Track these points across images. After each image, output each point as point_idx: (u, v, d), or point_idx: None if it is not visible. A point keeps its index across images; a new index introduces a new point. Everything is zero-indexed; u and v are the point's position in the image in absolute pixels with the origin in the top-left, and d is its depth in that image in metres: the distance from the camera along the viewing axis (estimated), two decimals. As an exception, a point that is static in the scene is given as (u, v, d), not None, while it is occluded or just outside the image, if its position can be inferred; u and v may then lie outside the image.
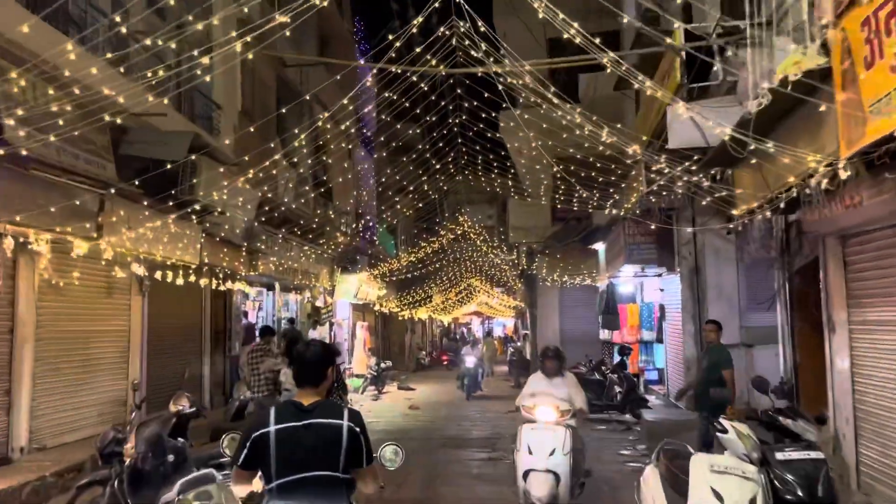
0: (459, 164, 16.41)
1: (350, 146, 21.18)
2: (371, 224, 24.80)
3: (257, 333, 13.66)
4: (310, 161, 17.26)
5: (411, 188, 21.78)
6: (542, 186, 18.41)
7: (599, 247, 17.80)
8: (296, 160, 16.57)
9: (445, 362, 33.31)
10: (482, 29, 7.00)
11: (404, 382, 27.31)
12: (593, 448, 10.12)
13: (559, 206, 17.87)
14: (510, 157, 17.35)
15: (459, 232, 26.24)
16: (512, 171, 18.04)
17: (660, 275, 15.20)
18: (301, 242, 17.91)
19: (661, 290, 15.95)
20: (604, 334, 18.83)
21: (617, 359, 17.37)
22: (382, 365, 23.23)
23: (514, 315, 47.58)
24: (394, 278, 27.88)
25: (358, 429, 3.23)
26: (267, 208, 13.60)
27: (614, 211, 11.90)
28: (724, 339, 9.44)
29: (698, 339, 11.92)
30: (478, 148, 14.86)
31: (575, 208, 14.69)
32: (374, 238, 25.25)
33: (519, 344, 34.46)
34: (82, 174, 8.39)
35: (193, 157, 10.23)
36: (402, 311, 32.61)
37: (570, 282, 20.80)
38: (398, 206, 25.48)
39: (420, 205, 27.40)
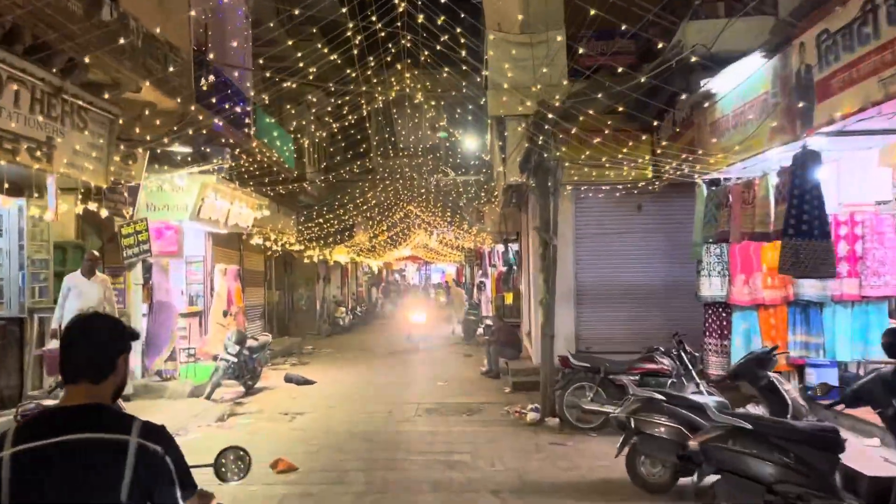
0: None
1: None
2: (241, 97, 14.04)
3: None
4: None
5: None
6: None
7: (720, 84, 7.77)
8: None
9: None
10: None
11: (303, 360, 17.05)
12: None
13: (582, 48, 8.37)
14: None
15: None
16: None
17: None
18: (52, 87, 7.29)
19: None
20: (710, 288, 8.85)
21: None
22: (253, 342, 12.89)
23: (464, 259, 37.61)
24: (281, 191, 17.26)
25: (159, 448, 2.07)
26: None
27: None
28: None
29: None
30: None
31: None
32: (248, 121, 14.52)
33: (473, 299, 24.51)
34: None
35: None
36: (309, 249, 22.13)
37: (611, 188, 10.89)
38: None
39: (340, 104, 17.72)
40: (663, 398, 6.34)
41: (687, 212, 12.66)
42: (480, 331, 21.97)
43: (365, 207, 23.73)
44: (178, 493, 2.11)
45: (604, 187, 12.09)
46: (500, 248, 24.55)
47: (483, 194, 19.90)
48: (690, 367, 8.51)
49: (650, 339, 12.54)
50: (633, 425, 6.28)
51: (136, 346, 11.72)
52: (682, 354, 8.56)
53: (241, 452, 2.72)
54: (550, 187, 9.70)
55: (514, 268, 22.95)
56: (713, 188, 8.81)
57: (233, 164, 14.36)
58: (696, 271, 9.22)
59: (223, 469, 2.68)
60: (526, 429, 9.13)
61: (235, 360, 12.03)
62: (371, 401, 11.52)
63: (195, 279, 14.98)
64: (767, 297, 8.24)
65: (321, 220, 21.35)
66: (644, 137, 11.24)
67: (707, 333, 9.06)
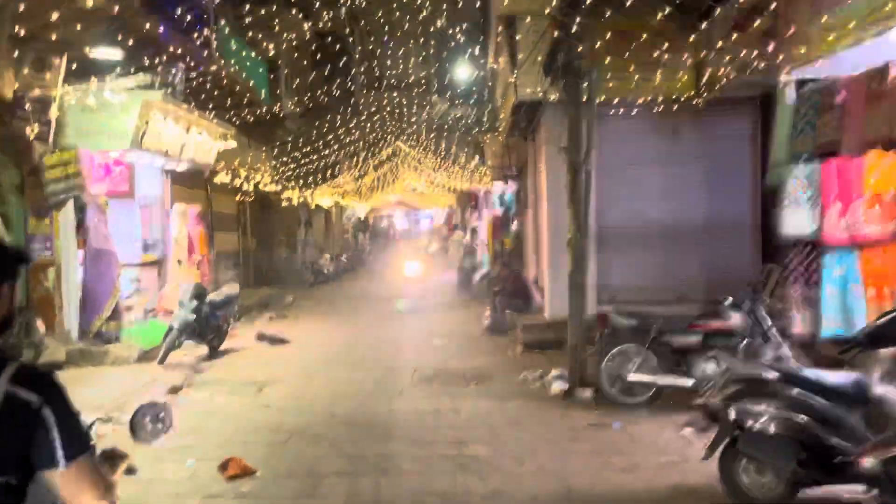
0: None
1: None
2: (195, 4, 11.63)
3: None
4: None
5: None
6: None
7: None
8: None
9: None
10: None
11: (282, 314, 15.10)
12: None
13: None
14: None
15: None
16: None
17: None
18: None
19: None
20: (796, 223, 6.77)
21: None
22: (215, 296, 10.84)
23: (456, 202, 35.49)
24: (250, 118, 15.01)
25: (34, 398, 1.65)
26: None
27: None
28: None
29: None
30: None
31: None
32: (208, 33, 12.09)
33: (464, 242, 22.46)
34: None
35: None
36: (287, 190, 19.93)
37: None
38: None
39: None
40: (777, 375, 4.39)
41: (733, 135, 10.65)
42: (477, 278, 20.08)
43: (349, 140, 21.47)
44: (59, 454, 1.65)
45: (633, 106, 9.99)
46: (499, 186, 22.46)
47: (480, 127, 17.64)
48: (770, 324, 6.58)
49: (687, 289, 10.70)
50: (732, 417, 4.35)
51: (71, 303, 9.69)
52: (759, 308, 6.61)
53: (160, 411, 2.54)
54: (583, 95, 7.56)
55: (512, 210, 20.95)
56: (807, 88, 6.69)
57: (188, 84, 12.08)
58: (776, 202, 7.17)
59: (139, 427, 2.43)
60: (552, 404, 7.22)
61: (193, 317, 10.00)
62: (357, 365, 9.57)
63: (151, 223, 12.84)
64: (872, 233, 6.25)
65: (299, 156, 19.10)
66: (691, 39, 9.07)
67: (789, 280, 7.09)
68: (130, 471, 2.56)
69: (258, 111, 17.87)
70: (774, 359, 6.49)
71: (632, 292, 10.60)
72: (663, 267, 10.72)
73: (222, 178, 14.28)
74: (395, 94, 25.37)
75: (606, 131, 10.57)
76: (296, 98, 23.57)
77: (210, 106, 13.06)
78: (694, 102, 9.68)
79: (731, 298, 6.92)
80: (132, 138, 9.76)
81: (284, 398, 7.82)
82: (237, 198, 18.21)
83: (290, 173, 20.39)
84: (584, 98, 7.47)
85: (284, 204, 20.09)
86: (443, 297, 18.26)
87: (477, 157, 19.91)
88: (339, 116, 20.82)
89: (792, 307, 6.91)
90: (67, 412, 1.71)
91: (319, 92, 23.27)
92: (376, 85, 27.85)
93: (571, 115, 7.60)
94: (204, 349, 10.47)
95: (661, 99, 9.65)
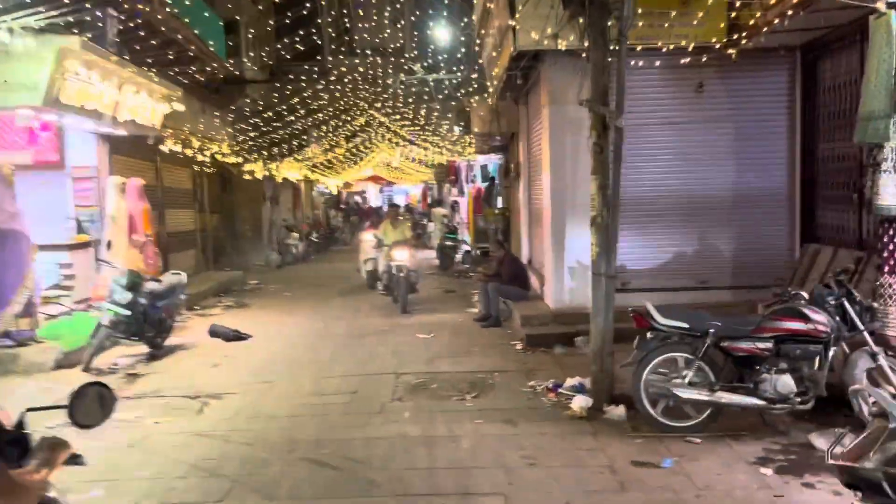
0: None
1: None
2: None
3: None
4: None
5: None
6: None
7: None
8: None
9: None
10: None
11: (242, 302, 13.44)
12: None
13: None
14: None
15: None
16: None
17: None
18: None
19: None
20: (891, 194, 5.27)
21: None
22: (155, 284, 9.06)
23: (433, 176, 33.73)
24: (200, 78, 13.14)
25: None
26: None
27: None
28: None
29: None
30: None
31: None
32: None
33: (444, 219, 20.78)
34: None
35: None
36: (249, 163, 18.03)
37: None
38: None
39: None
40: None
41: (769, 91, 9.06)
42: (459, 258, 18.47)
43: (317, 108, 19.58)
44: None
45: (654, 56, 8.40)
46: (483, 158, 20.79)
47: (466, 89, 15.89)
48: (861, 325, 5.07)
49: (712, 274, 9.19)
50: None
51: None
52: (852, 306, 5.08)
53: (104, 390, 2.15)
54: (612, 33, 5.91)
55: (497, 183, 19.30)
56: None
57: (126, 36, 10.21)
58: (869, 166, 5.62)
59: (77, 410, 2.07)
60: (576, 428, 5.63)
61: (128, 312, 8.25)
62: (326, 370, 7.90)
63: (85, 199, 10.98)
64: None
65: (262, 124, 17.21)
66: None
67: (886, 269, 5.56)
68: (76, 460, 1.92)
69: (215, 72, 15.96)
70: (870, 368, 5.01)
71: (646, 277, 9.11)
72: (684, 247, 9.21)
73: (172, 146, 12.38)
74: (367, 59, 23.44)
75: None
76: (259, 62, 21.60)
77: (151, 61, 11.17)
78: (726, 52, 8.11)
79: (803, 292, 5.38)
80: (45, 93, 7.90)
81: (232, 419, 6.15)
82: (192, 170, 16.30)
83: (252, 144, 18.48)
84: (618, 36, 5.80)
85: (247, 177, 18.19)
86: (423, 280, 16.62)
87: (459, 126, 18.16)
88: (305, 83, 18.92)
89: (888, 303, 5.40)
90: None
91: (285, 55, 21.35)
92: (346, 50, 25.83)
93: (597, 58, 5.94)
94: (143, 349, 8.76)
95: (689, 48, 8.06)
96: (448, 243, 18.58)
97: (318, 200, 32.29)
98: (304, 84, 18.81)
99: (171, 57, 12.14)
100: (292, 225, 23.18)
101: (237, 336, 9.68)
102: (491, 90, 12.22)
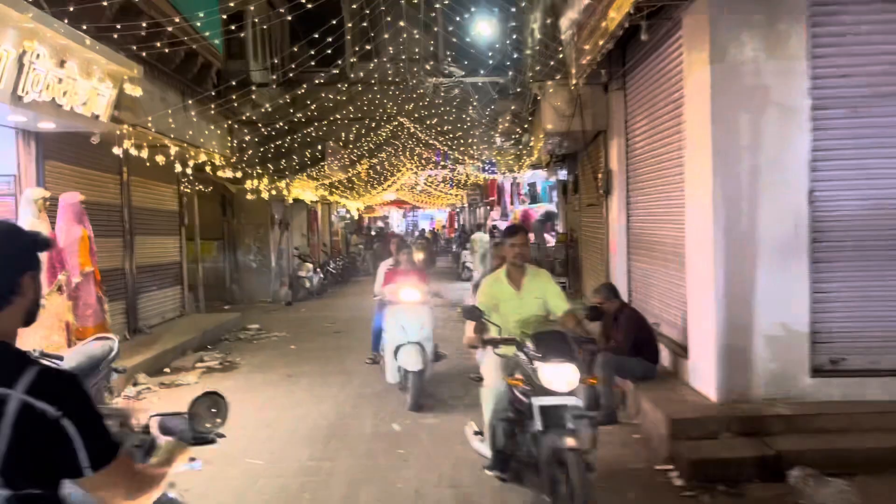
0: None
1: None
2: None
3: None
4: None
5: None
6: None
7: None
8: None
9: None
10: None
11: (228, 360, 9.95)
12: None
13: None
14: None
15: None
16: None
17: None
18: None
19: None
20: None
21: None
22: (56, 362, 5.55)
23: (465, 198, 30.32)
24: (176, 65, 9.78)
25: (50, 409, 1.57)
26: None
27: None
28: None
29: None
30: None
31: None
32: None
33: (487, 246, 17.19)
34: None
35: None
36: (251, 179, 14.63)
37: None
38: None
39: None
40: None
41: None
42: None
43: (336, 117, 16.24)
44: (85, 464, 1.60)
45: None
46: (527, 176, 17.36)
47: (531, 76, 12.28)
48: None
49: None
50: None
51: None
52: None
53: (218, 399, 2.29)
54: None
55: (555, 206, 15.80)
56: None
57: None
58: None
59: (196, 417, 2.21)
60: None
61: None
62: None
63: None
64: None
65: (270, 132, 13.87)
66: None
67: None
68: (193, 462, 2.13)
69: (206, 65, 12.70)
70: None
71: (869, 345, 5.48)
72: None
73: (134, 150, 8.96)
74: (398, 64, 20.09)
75: (827, 38, 5.45)
76: (268, 64, 18.33)
77: (116, 37, 7.82)
78: None
79: None
80: None
81: None
82: (177, 186, 12.93)
83: (257, 157, 15.14)
84: None
85: (249, 197, 14.79)
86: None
87: (512, 133, 14.62)
88: (322, 88, 15.62)
89: None
90: (90, 420, 1.65)
91: (299, 58, 18.11)
92: (371, 53, 22.60)
93: None
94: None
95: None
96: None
97: (337, 225, 28.86)
98: (321, 87, 15.51)
99: (142, 34, 8.82)
100: (305, 254, 19.70)
101: (199, 437, 6.07)
102: (574, 71, 8.70)
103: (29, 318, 1.75)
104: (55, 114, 7.04)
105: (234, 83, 12.33)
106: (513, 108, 12.85)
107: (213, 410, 2.22)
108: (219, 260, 17.03)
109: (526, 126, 12.93)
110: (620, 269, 8.90)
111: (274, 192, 16.10)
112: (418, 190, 38.25)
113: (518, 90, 13.69)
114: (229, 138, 13.41)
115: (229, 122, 13.85)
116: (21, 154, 7.87)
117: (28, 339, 6.91)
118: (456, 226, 50.59)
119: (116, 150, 8.43)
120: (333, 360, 9.75)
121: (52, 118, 7.16)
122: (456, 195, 34.70)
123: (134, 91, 8.00)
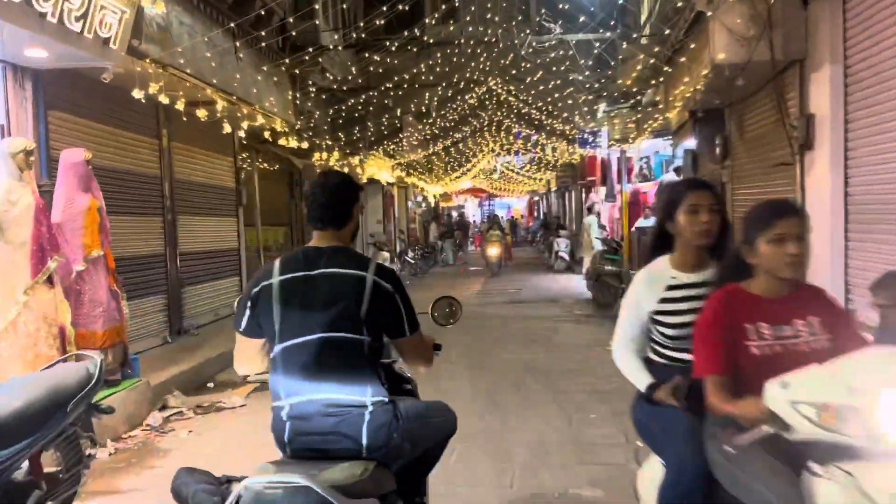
0: None
1: None
2: None
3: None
4: None
5: None
6: None
7: None
8: None
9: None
10: None
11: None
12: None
13: None
14: None
15: None
16: None
17: None
18: None
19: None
20: None
21: None
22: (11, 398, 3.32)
23: (555, 180, 27.67)
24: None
25: (389, 286, 2.45)
26: None
27: None
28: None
29: None
30: None
31: None
32: None
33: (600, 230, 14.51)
34: None
35: None
36: (318, 152, 12.47)
37: None
38: None
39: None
40: None
41: None
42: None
43: (416, 85, 13.90)
44: (406, 327, 2.52)
45: None
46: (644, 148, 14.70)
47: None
48: None
49: None
50: None
51: None
52: None
53: (452, 300, 3.08)
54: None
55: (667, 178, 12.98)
56: None
57: None
58: None
59: (437, 314, 3.08)
60: None
61: None
62: None
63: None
64: None
65: (342, 97, 11.66)
66: None
67: None
68: (437, 349, 2.85)
69: (277, 23, 10.53)
70: None
71: None
72: None
73: (180, 104, 6.83)
74: (480, 25, 17.61)
75: None
76: (340, 27, 16.15)
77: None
78: None
79: None
80: None
81: None
82: (234, 156, 10.86)
83: (325, 125, 12.96)
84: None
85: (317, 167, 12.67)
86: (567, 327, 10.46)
87: (637, 91, 11.88)
88: (399, 52, 13.28)
89: None
90: (408, 300, 2.51)
91: (374, 21, 15.89)
92: (452, 18, 20.18)
93: None
94: None
95: None
96: (608, 268, 12.36)
97: (414, 212, 26.67)
98: (397, 53, 13.19)
99: None
100: (382, 242, 17.49)
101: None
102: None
103: (353, 236, 2.67)
104: (37, 28, 4.89)
105: (299, 44, 10.22)
106: (642, 56, 10.21)
107: (451, 308, 3.03)
108: (285, 249, 15.00)
109: (661, 78, 10.24)
110: (828, 255, 6.18)
111: (346, 170, 13.92)
112: (496, 177, 35.72)
113: (651, 33, 10.96)
114: (291, 96, 11.20)
115: (294, 83, 11.68)
116: (10, 97, 5.81)
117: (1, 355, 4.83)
118: (535, 214, 47.73)
119: (137, 94, 6.24)
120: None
121: (36, 36, 5.02)
122: (540, 179, 31.96)
123: (156, 7, 5.80)
